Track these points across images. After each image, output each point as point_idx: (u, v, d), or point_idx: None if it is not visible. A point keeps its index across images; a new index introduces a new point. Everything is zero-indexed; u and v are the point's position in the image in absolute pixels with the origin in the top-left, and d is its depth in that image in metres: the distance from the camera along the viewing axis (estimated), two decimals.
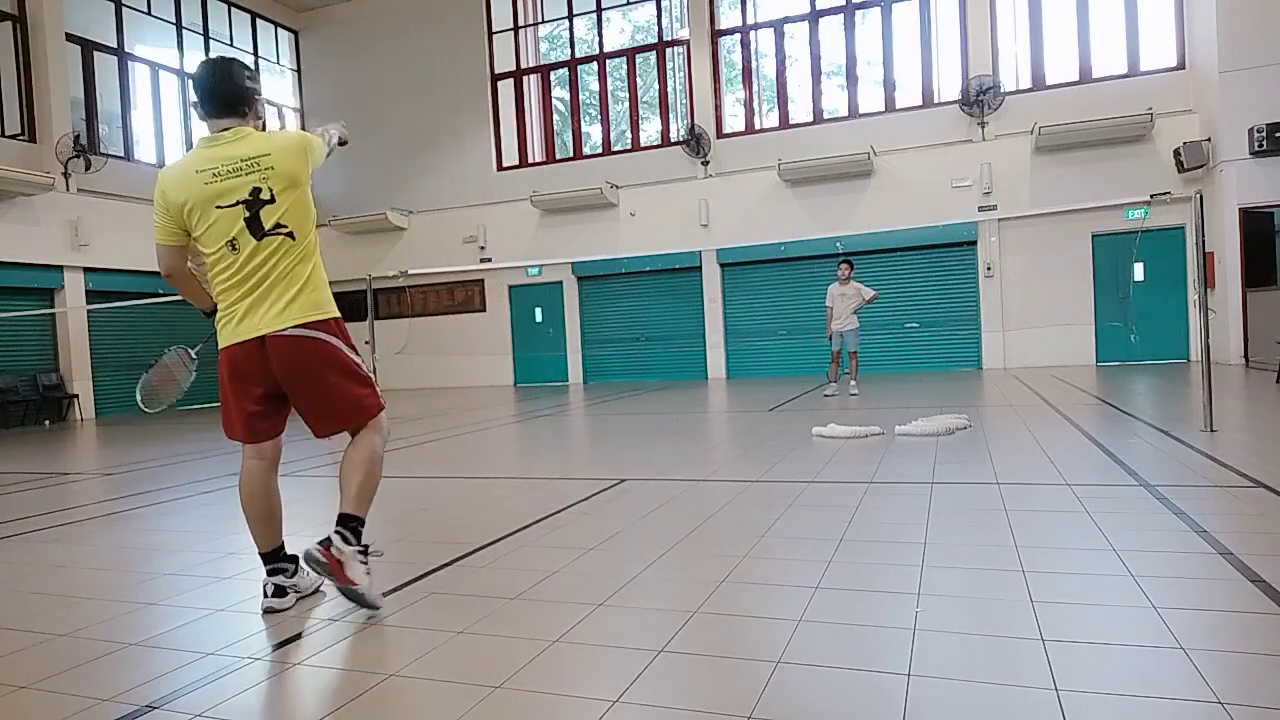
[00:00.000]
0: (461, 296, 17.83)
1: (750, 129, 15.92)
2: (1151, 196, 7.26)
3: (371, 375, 2.94)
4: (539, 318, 17.32)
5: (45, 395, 13.30)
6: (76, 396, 13.70)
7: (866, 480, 4.66)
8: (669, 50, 16.49)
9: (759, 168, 15.22)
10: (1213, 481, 4.17)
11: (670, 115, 16.68)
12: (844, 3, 15.18)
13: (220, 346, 2.77)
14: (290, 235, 2.72)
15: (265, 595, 2.81)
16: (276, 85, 18.65)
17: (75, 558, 3.81)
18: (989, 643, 2.23)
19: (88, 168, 13.80)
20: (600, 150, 17.25)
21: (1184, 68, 13.22)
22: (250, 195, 2.66)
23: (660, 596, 2.77)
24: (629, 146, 16.92)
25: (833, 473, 4.96)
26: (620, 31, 18.31)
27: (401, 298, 18.04)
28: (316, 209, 2.92)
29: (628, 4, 17.00)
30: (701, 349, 16.07)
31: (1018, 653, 2.14)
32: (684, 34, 16.19)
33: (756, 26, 15.81)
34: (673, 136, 16.37)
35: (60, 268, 13.64)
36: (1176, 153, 12.75)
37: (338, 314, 2.86)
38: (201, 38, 16.80)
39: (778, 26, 15.71)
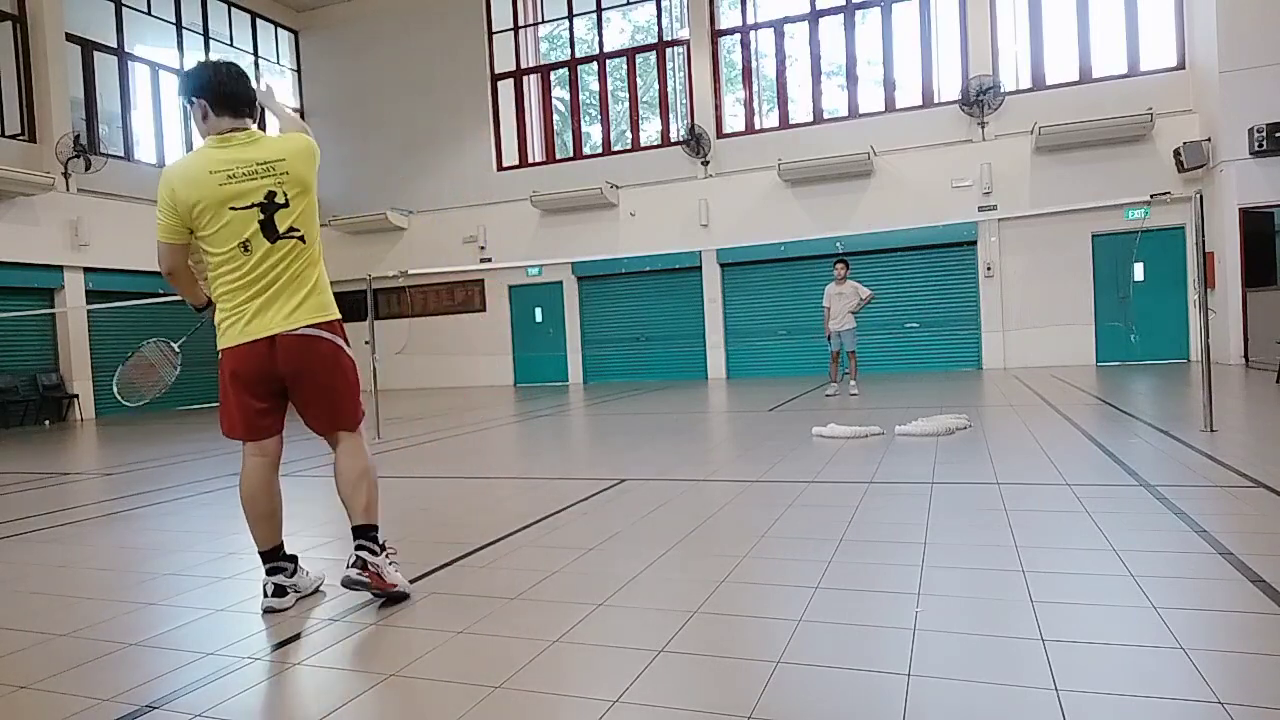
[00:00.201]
0: (461, 296, 17.83)
1: (750, 129, 15.92)
2: (1151, 196, 7.24)
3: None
4: (539, 318, 17.32)
5: (45, 395, 13.30)
6: (76, 396, 13.70)
7: (866, 480, 4.66)
8: (669, 50, 16.49)
9: (759, 168, 15.22)
10: (1213, 481, 4.17)
11: (670, 115, 16.68)
12: (844, 3, 15.18)
13: (225, 345, 2.77)
14: (301, 239, 2.77)
15: (265, 595, 2.82)
16: (277, 85, 18.59)
17: (75, 558, 3.81)
18: (989, 643, 2.23)
19: (88, 168, 13.81)
20: (600, 150, 17.25)
21: (1184, 68, 13.22)
22: (265, 199, 2.69)
23: (660, 596, 2.77)
24: (629, 146, 16.92)
25: (833, 473, 4.96)
26: (620, 31, 18.32)
27: (401, 298, 18.04)
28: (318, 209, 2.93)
29: (628, 4, 17.00)
30: (701, 349, 16.08)
31: (1018, 653, 2.14)
32: (684, 34, 16.19)
33: (756, 26, 15.81)
34: (673, 136, 16.38)
35: (60, 268, 13.64)
36: (1176, 153, 12.76)
37: (339, 316, 2.92)
38: (201, 38, 16.80)
39: (778, 26, 15.71)
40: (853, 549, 3.22)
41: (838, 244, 14.15)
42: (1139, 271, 13.44)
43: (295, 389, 2.82)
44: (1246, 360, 11.81)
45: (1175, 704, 1.81)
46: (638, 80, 17.33)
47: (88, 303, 13.67)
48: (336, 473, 2.89)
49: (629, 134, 17.07)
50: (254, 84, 2.87)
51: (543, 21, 17.78)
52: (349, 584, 2.76)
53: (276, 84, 18.52)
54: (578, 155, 17.27)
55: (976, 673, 2.04)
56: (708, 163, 15.76)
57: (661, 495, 4.53)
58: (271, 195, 2.70)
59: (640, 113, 17.40)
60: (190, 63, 16.18)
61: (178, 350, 3.46)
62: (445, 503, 4.78)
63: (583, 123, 17.40)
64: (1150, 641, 2.17)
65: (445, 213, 17.68)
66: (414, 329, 18.00)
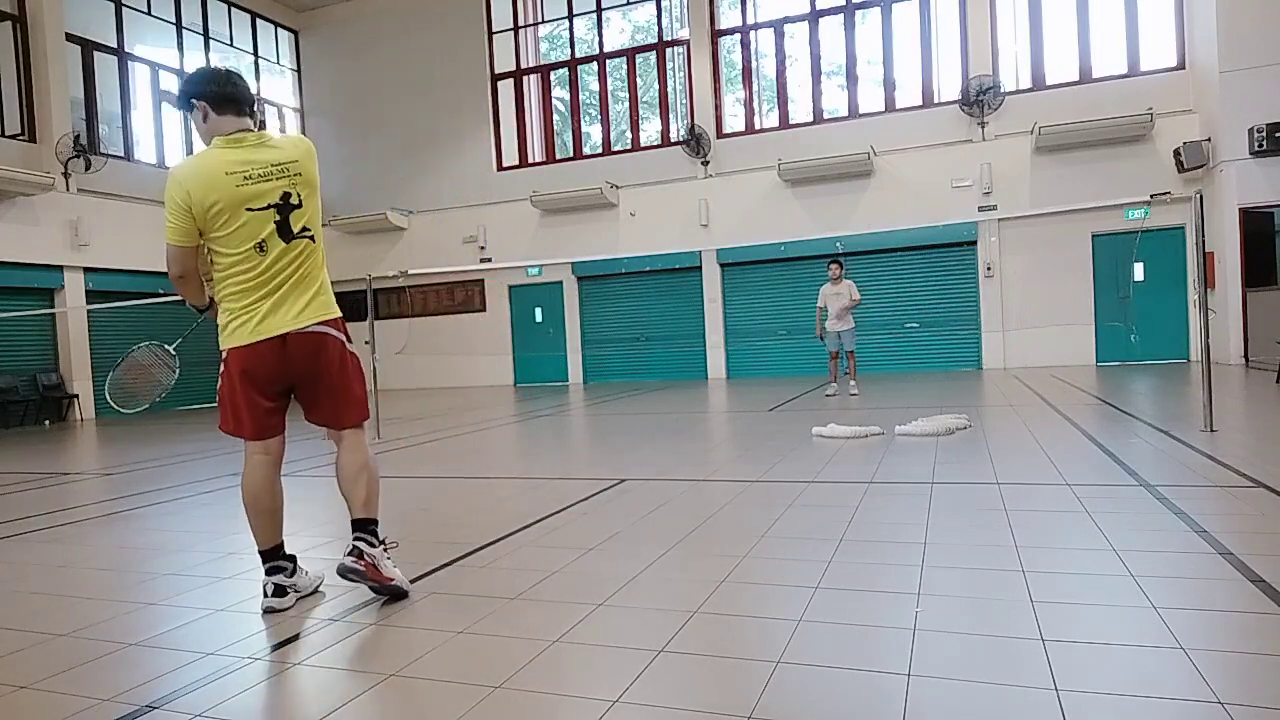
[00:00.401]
0: (461, 296, 17.83)
1: (750, 129, 15.92)
2: (1151, 196, 7.24)
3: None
4: (539, 318, 17.32)
5: (45, 395, 13.30)
6: (76, 396, 13.70)
7: (866, 480, 4.66)
8: (669, 50, 16.49)
9: (759, 168, 15.22)
10: (1213, 481, 4.17)
11: (670, 115, 16.68)
12: (844, 3, 15.18)
13: (234, 345, 2.77)
14: (312, 238, 2.82)
15: (265, 595, 2.82)
16: (276, 85, 18.66)
17: (75, 558, 3.81)
18: (989, 643, 2.23)
19: (88, 168, 13.81)
20: (600, 150, 17.25)
21: (1184, 68, 13.22)
22: (281, 199, 2.73)
23: (660, 596, 2.77)
24: (629, 146, 16.92)
25: (833, 473, 4.96)
26: (620, 31, 18.32)
27: (401, 298, 18.04)
28: None
29: (628, 4, 17.00)
30: (701, 349, 16.08)
31: (1018, 653, 2.14)
32: (684, 34, 16.19)
33: (756, 26, 15.81)
34: (673, 136, 16.38)
35: (60, 268, 13.64)
36: (1176, 153, 12.76)
37: (341, 314, 2.97)
38: (201, 38, 16.80)
39: (778, 26, 15.71)
40: (853, 549, 3.22)
41: (838, 244, 14.15)
42: (1139, 271, 13.44)
43: (304, 386, 2.87)
44: (1246, 360, 11.81)
45: (1175, 704, 1.81)
46: (638, 80, 17.33)
47: (88, 303, 13.67)
48: (338, 468, 2.94)
49: (629, 134, 17.07)
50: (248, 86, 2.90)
51: (543, 21, 17.78)
52: (343, 572, 2.77)
53: (277, 84, 18.54)
54: (578, 155, 17.27)
55: (976, 673, 2.04)
56: (708, 163, 15.76)
57: (661, 495, 4.53)
58: (287, 196, 2.74)
59: (640, 113, 17.40)
60: (190, 63, 16.28)
61: (174, 353, 3.46)
62: (445, 503, 4.78)
63: (583, 123, 17.40)
64: (1150, 641, 2.17)
65: (445, 213, 17.68)
66: (414, 329, 18.00)
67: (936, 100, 14.67)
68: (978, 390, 10.19)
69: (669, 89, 16.68)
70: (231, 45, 17.44)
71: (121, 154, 15.02)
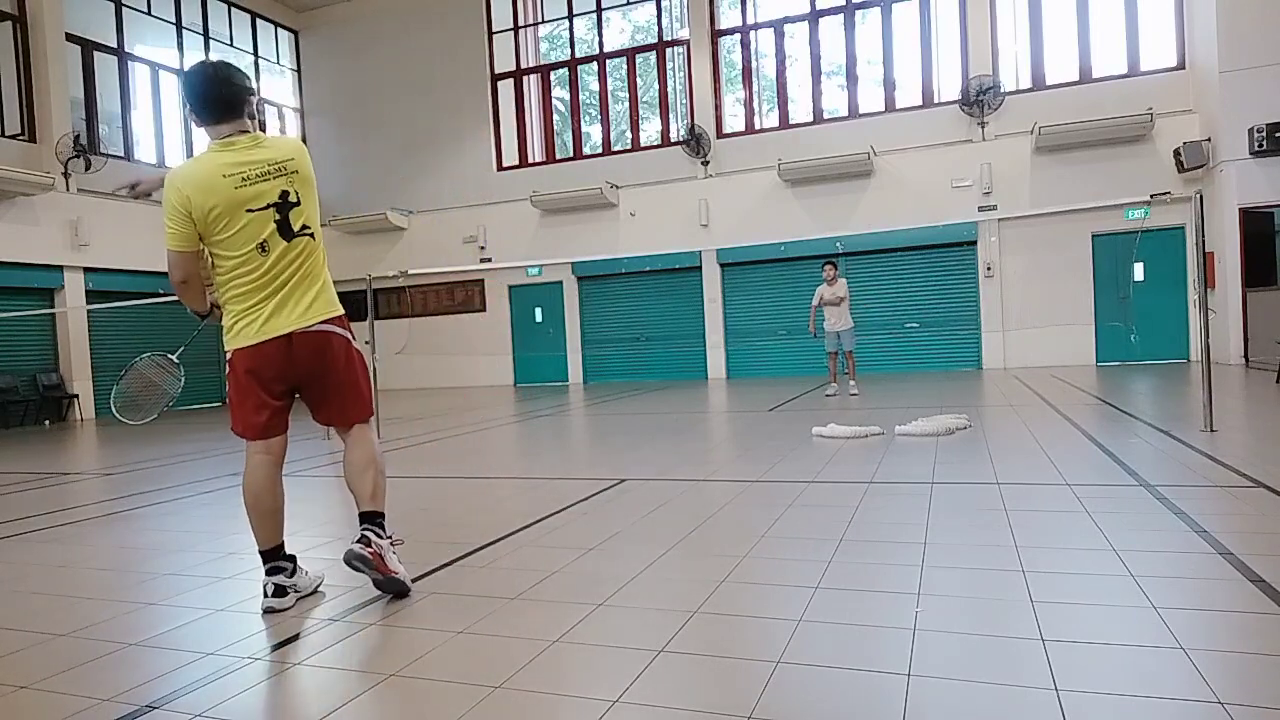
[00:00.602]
0: (461, 296, 17.83)
1: (750, 129, 15.92)
2: (1151, 196, 7.24)
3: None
4: (539, 318, 17.32)
5: (45, 395, 13.30)
6: (76, 396, 13.70)
7: (866, 480, 4.66)
8: (669, 50, 16.49)
9: (759, 168, 15.22)
10: (1213, 481, 4.17)
11: (670, 115, 16.68)
12: (844, 3, 15.18)
13: (239, 346, 2.77)
14: (312, 236, 2.83)
15: (265, 595, 2.82)
16: (276, 85, 18.66)
17: (75, 558, 3.81)
18: (989, 643, 2.23)
19: (88, 168, 13.80)
20: (600, 150, 17.25)
21: (1184, 68, 13.22)
22: (280, 198, 2.73)
23: (660, 596, 2.77)
24: (629, 146, 16.92)
25: (833, 473, 4.96)
26: (620, 31, 18.32)
27: (401, 298, 18.04)
28: None
29: (628, 4, 17.00)
30: (701, 349, 16.08)
31: (1018, 653, 2.14)
32: (684, 34, 16.19)
33: (756, 26, 15.82)
34: (673, 136, 16.38)
35: (60, 268, 13.65)
36: (1176, 153, 12.76)
37: (343, 311, 2.97)
38: (201, 38, 16.80)
39: (778, 26, 15.71)
40: (853, 549, 3.22)
41: (838, 244, 14.16)
42: (1139, 271, 13.44)
43: (310, 384, 2.88)
44: (1246, 360, 11.81)
45: (1175, 704, 1.81)
46: (638, 80, 17.33)
47: (88, 303, 13.67)
48: (345, 463, 2.96)
49: (629, 134, 17.07)
50: (246, 82, 2.81)
51: (543, 21, 17.78)
52: (350, 558, 2.77)
53: (277, 84, 18.54)
54: (578, 155, 17.27)
55: (976, 673, 2.04)
56: (708, 163, 15.76)
57: (661, 495, 4.53)
58: (285, 195, 2.74)
59: (640, 113, 17.40)
60: (190, 63, 16.24)
61: (176, 360, 3.46)
62: (445, 503, 4.78)
63: (583, 123, 17.40)
64: (1150, 641, 2.17)
65: (445, 213, 17.68)
66: (414, 329, 18.00)
67: (936, 100, 14.68)
68: (978, 390, 10.19)
69: (669, 89, 16.68)
70: (231, 45, 17.44)
71: (121, 154, 15.02)
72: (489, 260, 17.12)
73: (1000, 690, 1.93)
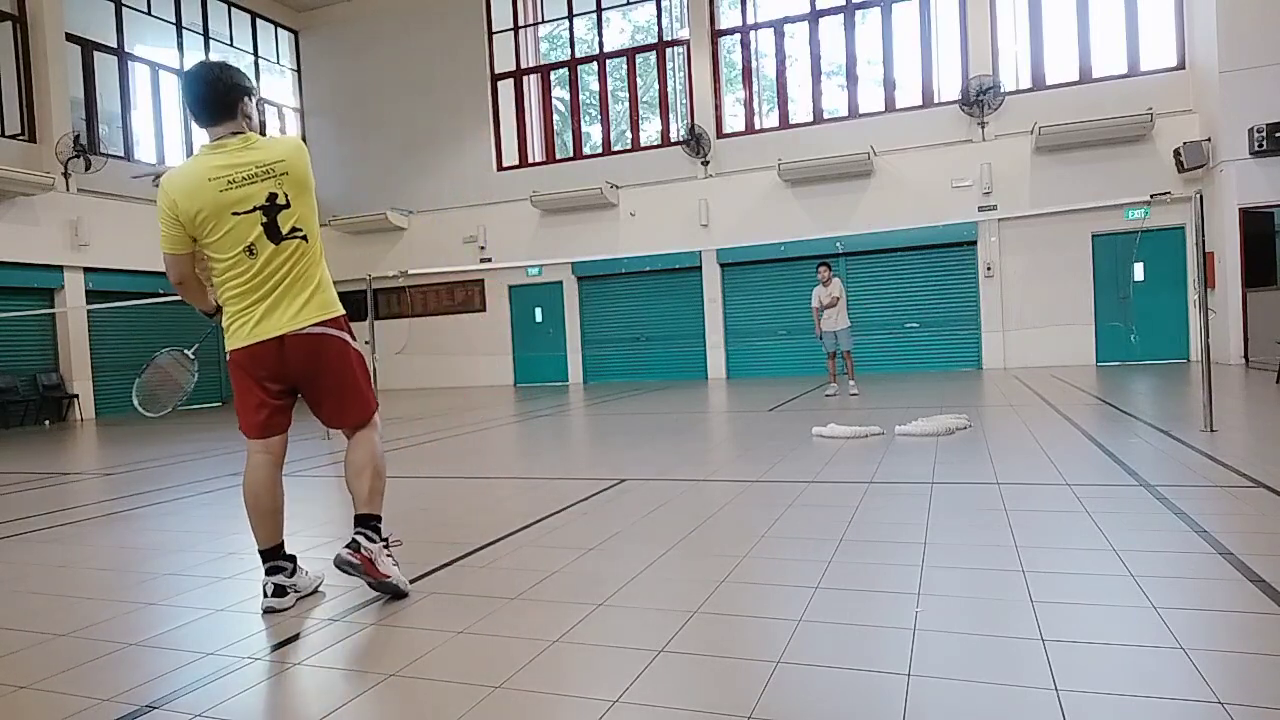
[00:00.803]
0: (461, 296, 17.83)
1: (750, 129, 15.92)
2: (1151, 196, 7.25)
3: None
4: (539, 318, 17.32)
5: (45, 395, 13.30)
6: (76, 396, 13.70)
7: (866, 480, 4.66)
8: (669, 50, 16.49)
9: (759, 168, 15.22)
10: (1213, 481, 4.17)
11: (670, 115, 16.68)
12: (844, 3, 15.18)
13: (235, 347, 2.79)
14: (304, 238, 2.78)
15: (265, 595, 2.82)
16: (276, 85, 18.66)
17: (75, 558, 3.81)
18: (989, 643, 2.23)
19: (88, 168, 13.80)
20: (600, 150, 17.25)
21: (1184, 68, 13.22)
22: (267, 201, 2.70)
23: (660, 596, 2.77)
24: (629, 146, 16.92)
25: (833, 473, 4.96)
26: (620, 31, 18.32)
27: (401, 298, 18.04)
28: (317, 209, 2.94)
29: (628, 4, 17.00)
30: (701, 349, 16.08)
31: (1018, 653, 2.14)
32: (684, 34, 16.19)
33: (756, 26, 15.81)
34: (673, 136, 16.37)
35: (60, 268, 13.64)
36: (1176, 153, 12.76)
37: (344, 311, 2.94)
38: (201, 38, 16.80)
39: (778, 26, 15.71)
40: (853, 549, 3.22)
41: (838, 244, 14.17)
42: (1139, 271, 13.44)
43: (306, 387, 2.87)
44: (1246, 360, 11.81)
45: (1175, 704, 1.81)
46: (638, 80, 17.33)
47: (88, 303, 13.67)
48: (345, 463, 2.95)
49: (629, 134, 17.07)
50: (243, 82, 2.79)
51: (543, 21, 17.78)
52: (339, 563, 2.77)
53: (277, 84, 18.54)
54: (578, 155, 17.27)
55: (976, 673, 2.04)
56: (708, 163, 15.76)
57: (661, 495, 4.53)
58: (273, 197, 2.70)
59: (640, 113, 17.40)
60: (190, 63, 16.24)
61: (192, 357, 3.47)
62: (445, 503, 4.78)
63: (583, 123, 17.40)
64: (1150, 641, 2.17)
65: (445, 213, 17.68)
66: (414, 329, 18.00)
67: (936, 100, 14.67)
68: (978, 390, 10.19)
69: (669, 89, 16.68)
70: (231, 45, 17.44)
71: (121, 154, 15.01)
72: (489, 260, 17.12)
73: (1000, 690, 1.93)
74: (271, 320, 2.74)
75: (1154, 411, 7.22)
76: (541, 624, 2.54)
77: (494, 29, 17.49)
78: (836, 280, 10.47)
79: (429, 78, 17.74)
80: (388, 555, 2.84)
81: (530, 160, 17.48)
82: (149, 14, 15.82)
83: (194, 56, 16.50)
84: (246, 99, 2.79)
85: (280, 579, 2.84)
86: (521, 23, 17.43)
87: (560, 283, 16.97)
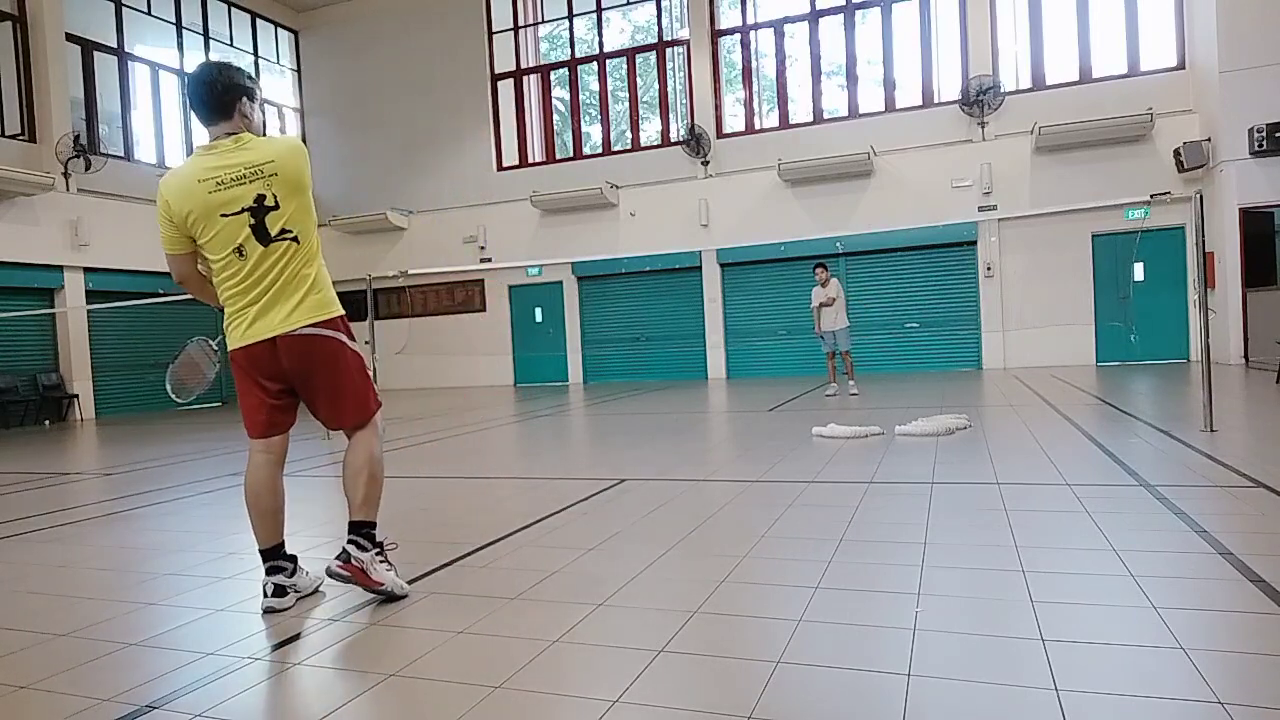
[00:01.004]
0: (461, 296, 17.83)
1: (750, 129, 15.92)
2: (1151, 196, 7.24)
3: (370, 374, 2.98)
4: (539, 318, 17.32)
5: (45, 395, 13.30)
6: (76, 396, 13.70)
7: (866, 480, 4.66)
8: (669, 50, 16.49)
9: (759, 168, 15.22)
10: (1213, 481, 4.17)
11: (670, 115, 16.68)
12: (844, 3, 15.18)
13: (233, 347, 2.81)
14: (295, 240, 2.75)
15: (265, 595, 2.82)
16: (276, 85, 18.66)
17: (75, 558, 3.81)
18: (989, 643, 2.23)
19: (88, 168, 13.80)
20: (600, 150, 17.25)
21: (1184, 68, 13.22)
22: (255, 202, 2.68)
23: (660, 596, 2.77)
24: (629, 146, 16.92)
25: (833, 473, 4.96)
26: (620, 31, 18.31)
27: (401, 298, 18.04)
28: (316, 209, 2.93)
29: (628, 4, 17.00)
30: (701, 349, 16.08)
31: (1018, 653, 2.14)
32: (684, 34, 16.19)
33: (756, 26, 15.81)
34: (673, 136, 16.37)
35: (60, 268, 13.64)
36: (1176, 153, 12.76)
37: (343, 312, 2.91)
38: (201, 38, 16.80)
39: (778, 26, 15.71)
40: (853, 549, 3.22)
41: (838, 244, 14.17)
42: (1139, 271, 13.44)
43: (301, 388, 2.85)
44: (1246, 360, 11.81)
45: (1175, 704, 1.81)
46: (638, 80, 17.33)
47: (88, 303, 13.67)
48: (343, 465, 2.93)
49: (629, 134, 17.07)
50: (242, 81, 2.77)
51: (543, 21, 17.78)
52: (330, 576, 2.79)
53: (277, 84, 18.54)
54: (578, 155, 17.27)
55: (976, 673, 2.04)
56: (708, 163, 15.76)
57: (661, 495, 4.53)
58: (261, 198, 2.68)
59: (640, 113, 17.40)
60: (190, 63, 16.26)
61: (216, 348, 3.49)
62: (445, 503, 4.78)
63: (583, 123, 17.40)
64: (1150, 641, 2.17)
65: (445, 213, 17.68)
66: (414, 329, 18.00)
67: (936, 100, 14.67)
68: (978, 390, 10.19)
69: (669, 89, 16.68)
70: (231, 45, 17.44)
71: (121, 154, 15.01)
72: (489, 260, 17.12)
73: (1000, 690, 1.93)
74: (264, 322, 2.73)
75: (1154, 411, 7.21)
76: (541, 624, 2.54)
77: (494, 29, 17.49)
78: (834, 281, 10.49)
79: (429, 78, 17.74)
80: (381, 561, 2.82)
81: (530, 160, 17.48)
82: (149, 14, 15.82)
83: (194, 56, 16.50)
84: (245, 100, 2.77)
85: (280, 579, 2.84)
86: (521, 23, 17.43)
87: (560, 283, 16.96)
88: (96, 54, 14.84)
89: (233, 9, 17.42)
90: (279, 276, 2.73)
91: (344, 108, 18.68)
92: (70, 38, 14.24)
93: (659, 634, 2.40)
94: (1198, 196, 6.08)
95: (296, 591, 2.89)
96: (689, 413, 9.52)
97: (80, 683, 2.26)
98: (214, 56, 16.80)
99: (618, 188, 16.29)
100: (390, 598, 2.82)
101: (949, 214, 13.68)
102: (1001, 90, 13.91)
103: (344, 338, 2.85)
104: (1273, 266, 11.89)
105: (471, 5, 17.38)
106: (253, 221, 2.68)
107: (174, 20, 16.23)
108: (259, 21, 18.10)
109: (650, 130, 17.67)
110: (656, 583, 2.93)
